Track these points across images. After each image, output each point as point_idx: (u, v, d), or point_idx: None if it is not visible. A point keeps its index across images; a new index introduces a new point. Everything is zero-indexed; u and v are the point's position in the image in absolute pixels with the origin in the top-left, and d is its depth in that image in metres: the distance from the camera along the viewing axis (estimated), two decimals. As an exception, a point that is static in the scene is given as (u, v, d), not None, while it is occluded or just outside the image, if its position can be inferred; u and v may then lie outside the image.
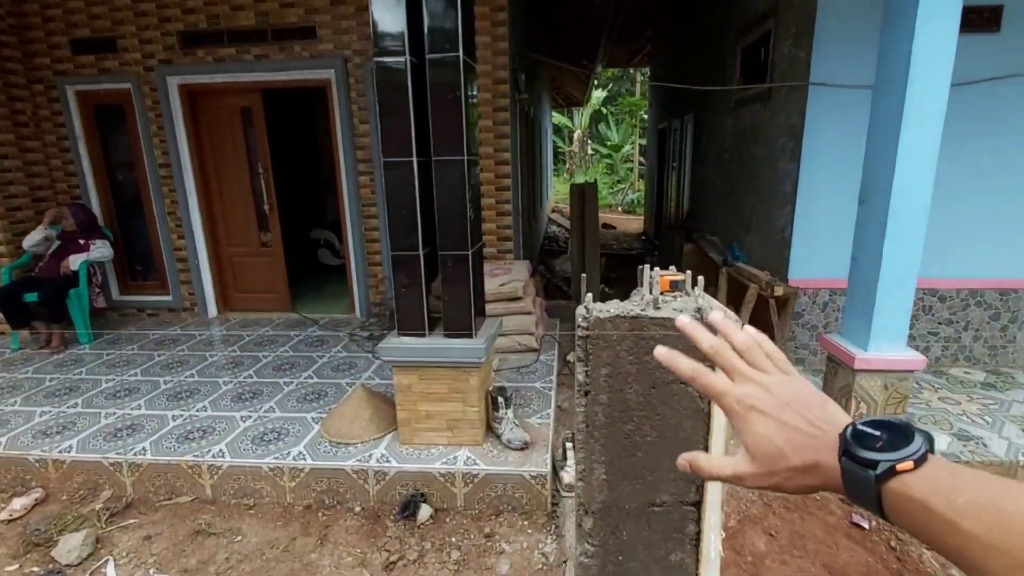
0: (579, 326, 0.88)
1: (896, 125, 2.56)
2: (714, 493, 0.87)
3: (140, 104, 4.64)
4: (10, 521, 2.51)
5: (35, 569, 2.24)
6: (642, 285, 0.97)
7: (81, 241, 4.53)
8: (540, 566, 2.22)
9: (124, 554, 2.31)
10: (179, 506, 2.64)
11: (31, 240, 4.48)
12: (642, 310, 0.87)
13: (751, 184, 4.72)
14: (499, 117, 4.36)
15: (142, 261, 5.24)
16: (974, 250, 3.71)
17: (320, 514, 2.55)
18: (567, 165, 22.19)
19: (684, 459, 0.50)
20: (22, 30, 4.62)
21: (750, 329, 0.50)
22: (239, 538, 2.40)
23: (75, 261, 4.41)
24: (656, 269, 1.01)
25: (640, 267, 1.09)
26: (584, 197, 4.77)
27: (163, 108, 4.61)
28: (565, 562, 2.17)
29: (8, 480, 2.78)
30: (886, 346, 2.79)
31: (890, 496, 0.39)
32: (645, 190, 12.81)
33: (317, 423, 2.97)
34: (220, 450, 2.73)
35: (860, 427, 0.41)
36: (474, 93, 2.45)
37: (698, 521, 0.97)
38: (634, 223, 13.73)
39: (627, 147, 19.78)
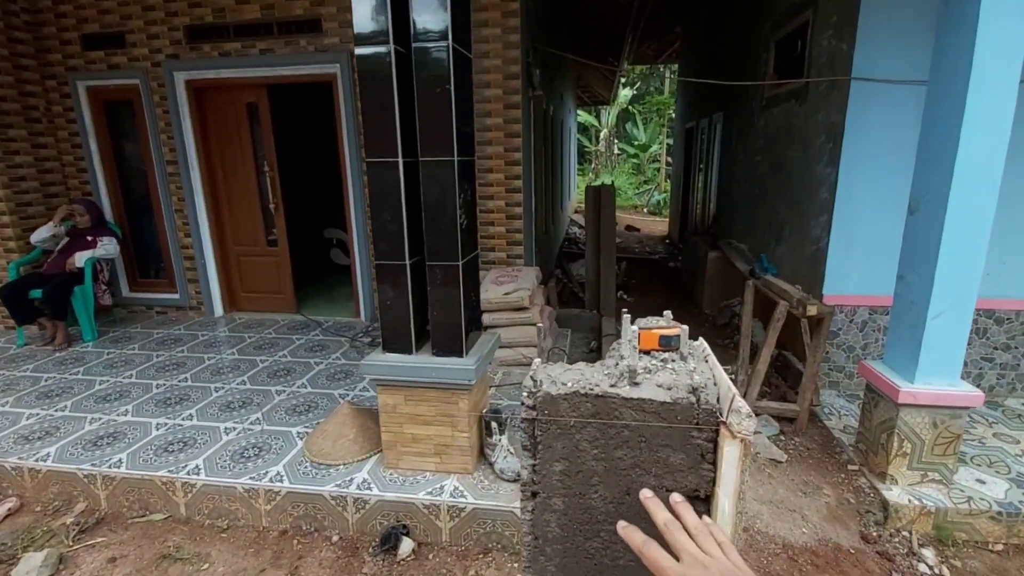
0: (523, 403, 0.63)
1: (956, 125, 2.21)
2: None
3: (148, 99, 4.57)
4: (-21, 533, 2.41)
5: (-8, 591, 2.11)
6: (620, 340, 0.72)
7: (89, 238, 4.49)
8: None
9: (85, 578, 2.17)
10: (152, 524, 2.49)
11: (39, 236, 4.46)
12: (612, 385, 0.62)
13: (784, 189, 4.35)
14: (510, 115, 4.11)
15: (151, 258, 5.19)
16: (1038, 267, 3.28)
17: (295, 542, 2.36)
18: (593, 164, 21.76)
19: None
20: (36, 26, 4.60)
21: (707, 519, 0.54)
22: (206, 566, 2.23)
23: (81, 258, 4.36)
24: (643, 320, 0.75)
25: (623, 310, 0.83)
26: (600, 200, 4.48)
27: (170, 104, 4.53)
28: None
29: (-15, 487, 2.69)
30: (936, 378, 2.44)
31: None
32: (671, 192, 12.36)
33: (302, 438, 2.79)
34: (196, 466, 2.57)
35: None
36: (468, 86, 2.21)
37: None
38: (659, 225, 13.29)
39: (655, 147, 19.26)
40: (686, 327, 0.71)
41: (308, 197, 7.00)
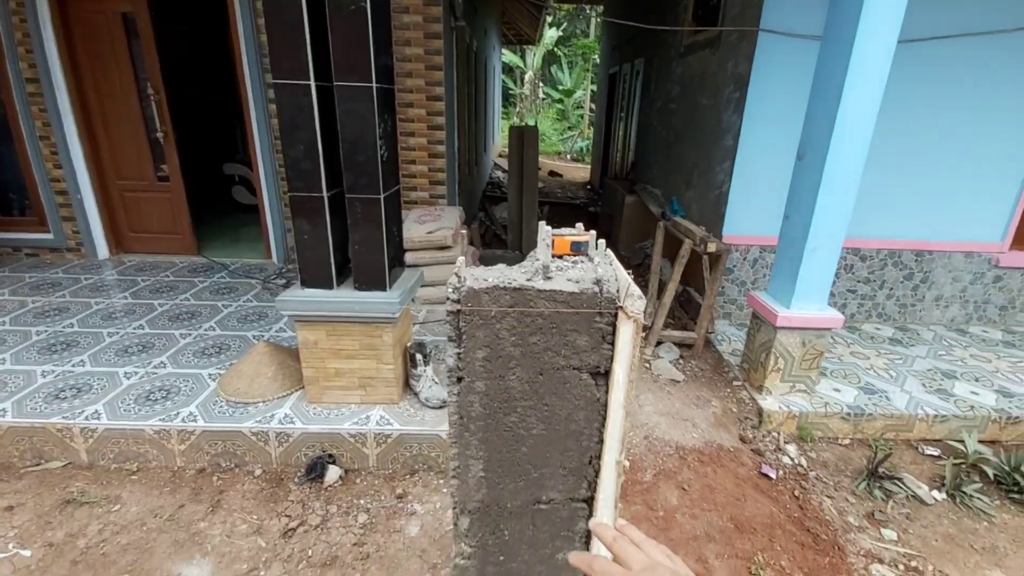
0: (448, 298, 0.68)
1: (840, 79, 2.45)
2: (608, 488, 0.73)
3: (3, 8, 3.81)
4: None
5: None
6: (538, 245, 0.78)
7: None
8: (451, 526, 2.13)
9: (-26, 531, 2.02)
10: (49, 472, 2.33)
11: None
12: (528, 279, 0.68)
13: (695, 137, 4.60)
14: (432, 45, 3.92)
15: (15, 192, 4.50)
16: (896, 211, 3.81)
17: (215, 478, 2.33)
18: (517, 108, 21.36)
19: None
20: None
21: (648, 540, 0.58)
22: (116, 507, 2.15)
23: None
24: (557, 228, 0.82)
25: (541, 222, 0.89)
26: (523, 141, 4.49)
27: (28, 12, 3.81)
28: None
29: None
30: (808, 304, 2.82)
31: None
32: (593, 139, 12.55)
33: (215, 379, 2.68)
34: (96, 411, 2.40)
35: None
36: (385, 7, 2.08)
37: (589, 518, 0.85)
38: (582, 172, 13.53)
39: (579, 92, 19.21)
40: (594, 232, 0.79)
41: (205, 127, 6.32)
